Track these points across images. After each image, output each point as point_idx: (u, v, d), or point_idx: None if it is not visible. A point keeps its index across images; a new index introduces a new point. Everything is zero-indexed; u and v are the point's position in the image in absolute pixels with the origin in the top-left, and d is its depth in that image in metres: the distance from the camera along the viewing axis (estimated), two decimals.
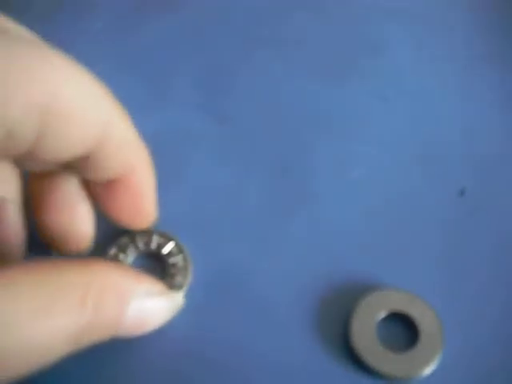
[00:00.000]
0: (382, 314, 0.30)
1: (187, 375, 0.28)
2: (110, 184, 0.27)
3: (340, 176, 0.36)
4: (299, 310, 0.31)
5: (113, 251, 0.29)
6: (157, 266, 0.30)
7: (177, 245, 0.30)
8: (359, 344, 0.29)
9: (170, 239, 0.30)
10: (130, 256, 0.29)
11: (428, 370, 0.29)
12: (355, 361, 0.29)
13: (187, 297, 0.29)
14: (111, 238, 0.30)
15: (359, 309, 0.30)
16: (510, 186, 0.36)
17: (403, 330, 0.30)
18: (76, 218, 0.28)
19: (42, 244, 0.29)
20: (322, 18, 0.43)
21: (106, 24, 0.44)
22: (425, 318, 0.30)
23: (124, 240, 0.30)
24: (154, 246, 0.30)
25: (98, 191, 0.28)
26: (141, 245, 0.30)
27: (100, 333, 0.22)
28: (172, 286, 0.29)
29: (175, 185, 0.35)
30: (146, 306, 0.24)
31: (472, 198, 0.35)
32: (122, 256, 0.29)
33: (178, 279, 0.29)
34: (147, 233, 0.30)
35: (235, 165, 0.37)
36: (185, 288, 0.29)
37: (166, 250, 0.30)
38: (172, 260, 0.29)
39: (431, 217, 0.34)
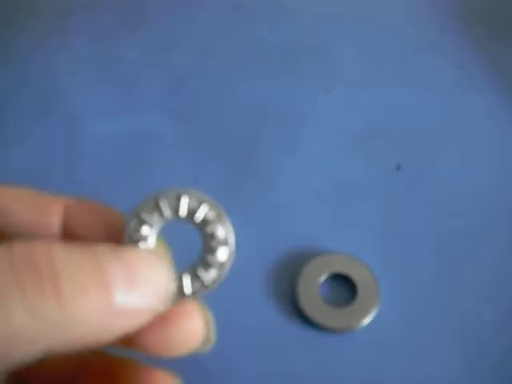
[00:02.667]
0: (325, 276, 0.34)
1: None
2: None
3: (290, 158, 0.40)
4: (253, 275, 0.35)
5: (133, 224, 0.21)
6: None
7: (212, 208, 0.22)
8: (305, 302, 0.33)
9: (202, 201, 0.22)
10: (155, 227, 0.22)
11: (366, 322, 0.33)
12: (302, 317, 0.33)
13: None
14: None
15: (304, 271, 0.34)
16: (440, 160, 0.40)
17: (344, 288, 0.34)
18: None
19: None
20: (267, 25, 0.48)
21: (85, 40, 0.48)
22: (362, 278, 0.34)
23: (144, 207, 0.22)
24: (183, 211, 0.22)
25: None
26: (167, 211, 0.22)
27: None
28: (214, 264, 0.22)
29: (145, 177, 0.39)
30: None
31: (407, 172, 0.39)
32: (144, 229, 0.21)
33: (221, 254, 0.22)
34: (173, 194, 0.22)
35: (197, 157, 0.41)
36: (228, 267, 0.22)
37: (199, 216, 0.22)
38: (209, 229, 0.22)
39: (370, 190, 0.38)
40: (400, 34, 0.47)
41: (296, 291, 0.34)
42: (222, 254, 0.22)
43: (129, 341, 0.21)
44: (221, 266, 0.22)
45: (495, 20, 0.47)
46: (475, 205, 0.38)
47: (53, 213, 0.22)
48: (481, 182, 0.39)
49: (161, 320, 0.20)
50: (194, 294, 0.21)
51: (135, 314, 0.18)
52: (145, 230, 0.21)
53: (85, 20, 0.49)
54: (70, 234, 0.22)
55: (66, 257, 0.17)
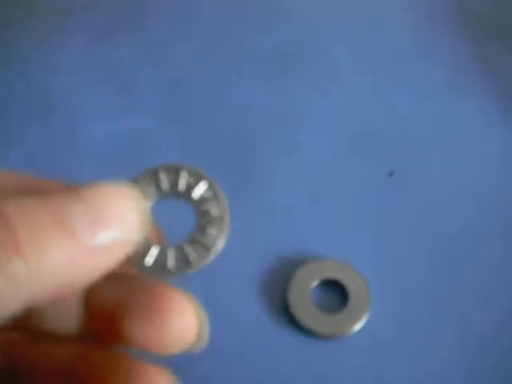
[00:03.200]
0: (316, 281, 0.34)
1: None
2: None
3: (284, 161, 0.40)
4: (244, 279, 0.35)
5: None
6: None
7: (211, 186, 0.22)
8: (296, 308, 0.34)
9: (201, 178, 0.22)
10: (150, 200, 0.21)
11: (357, 328, 0.33)
12: (293, 323, 0.34)
13: None
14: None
15: (296, 277, 0.34)
16: (435, 165, 0.40)
17: (335, 294, 0.34)
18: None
19: None
20: (264, 27, 0.48)
21: (84, 41, 0.48)
22: (354, 283, 0.34)
23: (143, 178, 0.21)
24: (181, 187, 0.22)
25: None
26: (165, 184, 0.22)
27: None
28: (203, 243, 0.21)
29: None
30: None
31: (401, 178, 0.39)
32: None
33: (211, 233, 0.21)
34: (173, 169, 0.22)
35: (193, 158, 0.41)
36: (218, 247, 0.21)
37: (197, 192, 0.22)
38: (204, 207, 0.22)
39: (363, 195, 0.39)
40: (397, 38, 0.47)
41: (287, 297, 0.34)
42: (213, 233, 0.21)
43: (121, 338, 0.21)
44: (209, 244, 0.21)
45: (493, 25, 0.47)
46: (469, 211, 0.38)
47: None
48: (476, 187, 0.39)
49: (153, 316, 0.20)
50: (178, 270, 0.20)
51: (109, 249, 0.18)
52: None
53: (84, 20, 0.49)
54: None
55: (21, 210, 0.17)
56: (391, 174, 0.39)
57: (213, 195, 0.22)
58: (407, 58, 0.45)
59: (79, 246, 0.17)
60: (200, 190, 0.22)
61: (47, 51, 0.47)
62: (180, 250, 0.20)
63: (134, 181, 0.21)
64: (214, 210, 0.22)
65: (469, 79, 0.44)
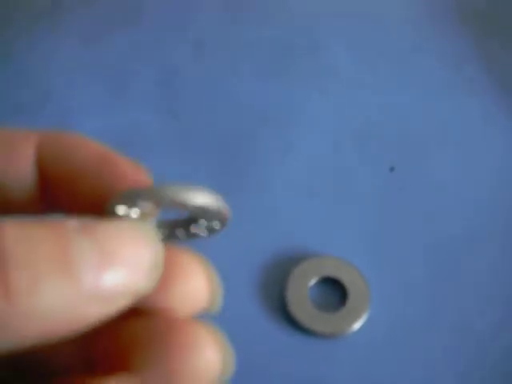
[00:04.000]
0: (315, 279, 0.34)
1: None
2: None
3: (282, 159, 0.39)
4: (241, 278, 0.34)
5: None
6: None
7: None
8: (294, 306, 0.33)
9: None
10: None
11: (356, 326, 0.32)
12: (291, 322, 0.33)
13: None
14: None
15: (294, 275, 0.34)
16: (435, 162, 0.39)
17: (334, 292, 0.34)
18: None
19: None
20: (263, 24, 0.47)
21: (75, 38, 0.47)
22: (353, 281, 0.33)
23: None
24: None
25: None
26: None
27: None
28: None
29: None
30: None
31: (400, 175, 0.39)
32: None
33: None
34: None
35: (187, 156, 0.40)
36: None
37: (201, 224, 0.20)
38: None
39: (363, 192, 0.38)
40: (396, 34, 0.46)
41: (285, 295, 0.33)
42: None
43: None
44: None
45: (494, 23, 0.47)
46: (469, 208, 0.37)
47: (25, 149, 0.20)
48: (476, 185, 0.38)
49: (161, 280, 0.18)
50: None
51: (113, 297, 0.16)
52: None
53: (76, 18, 0.48)
54: (44, 173, 0.19)
55: (21, 237, 0.15)
56: (392, 169, 0.39)
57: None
58: (407, 56, 0.45)
59: (79, 292, 0.15)
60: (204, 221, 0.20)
61: (42, 50, 0.46)
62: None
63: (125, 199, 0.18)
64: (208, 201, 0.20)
65: (469, 77, 0.43)
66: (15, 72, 0.45)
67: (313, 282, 0.34)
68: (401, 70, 0.44)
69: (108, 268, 0.15)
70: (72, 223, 0.16)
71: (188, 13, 0.48)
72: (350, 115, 0.42)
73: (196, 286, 0.19)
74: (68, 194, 0.19)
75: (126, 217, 0.18)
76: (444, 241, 0.36)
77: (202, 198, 0.19)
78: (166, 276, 0.18)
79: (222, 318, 0.33)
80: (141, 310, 0.18)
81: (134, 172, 0.20)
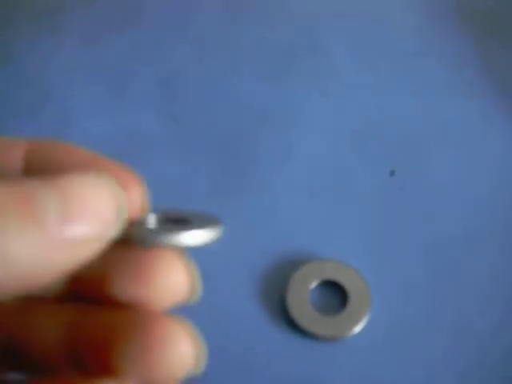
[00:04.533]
0: (315, 282, 0.34)
1: None
2: None
3: (282, 162, 0.39)
4: (242, 281, 0.34)
5: None
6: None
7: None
8: (295, 310, 0.33)
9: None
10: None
11: (357, 330, 0.32)
12: (292, 325, 0.33)
13: None
14: None
15: (294, 278, 0.33)
16: (435, 165, 0.39)
17: (334, 295, 0.34)
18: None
19: None
20: (264, 25, 0.47)
21: (76, 39, 0.47)
22: (353, 284, 0.33)
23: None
24: None
25: None
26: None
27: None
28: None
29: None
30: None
31: (401, 177, 0.39)
32: None
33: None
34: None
35: (187, 158, 0.40)
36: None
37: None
38: None
39: (363, 195, 0.38)
40: (397, 37, 0.46)
41: (286, 298, 0.33)
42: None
43: (109, 298, 0.19)
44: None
45: (494, 24, 0.47)
46: (469, 209, 0.37)
47: (13, 156, 0.20)
48: (475, 185, 0.38)
49: (139, 274, 0.19)
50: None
51: (80, 244, 0.16)
52: None
53: (76, 19, 0.48)
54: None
55: None
56: (392, 173, 0.39)
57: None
58: (407, 58, 0.45)
59: (46, 239, 0.16)
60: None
61: (42, 50, 0.46)
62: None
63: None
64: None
65: (469, 78, 0.43)
66: (15, 72, 0.45)
67: (313, 285, 0.34)
68: (401, 71, 0.44)
69: (74, 218, 0.16)
70: (33, 178, 0.16)
71: (188, 13, 0.48)
72: (350, 116, 0.42)
73: (175, 277, 0.20)
74: None
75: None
76: (444, 241, 0.36)
77: (190, 240, 0.19)
78: (144, 270, 0.19)
79: (223, 321, 0.33)
80: (121, 302, 0.19)
81: (125, 177, 0.21)
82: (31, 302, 0.20)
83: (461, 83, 0.44)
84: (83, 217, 0.16)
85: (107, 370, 0.19)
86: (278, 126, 0.41)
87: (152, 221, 0.20)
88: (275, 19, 0.47)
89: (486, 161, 0.40)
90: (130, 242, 0.18)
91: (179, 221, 0.20)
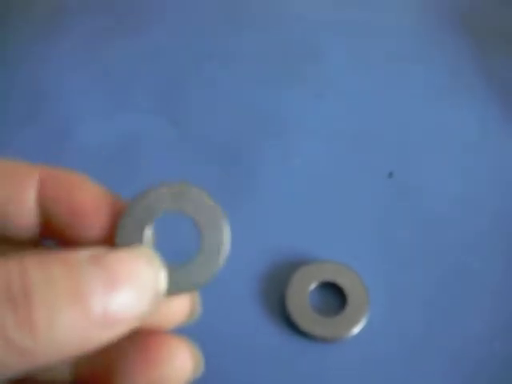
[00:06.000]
0: (315, 284, 0.34)
1: None
2: None
3: (282, 165, 0.40)
4: (241, 283, 0.34)
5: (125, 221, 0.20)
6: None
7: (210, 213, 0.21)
8: (294, 311, 0.33)
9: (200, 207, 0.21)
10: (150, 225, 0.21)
11: (356, 331, 0.33)
12: (291, 326, 0.33)
13: None
14: None
15: (294, 280, 0.34)
16: (432, 168, 0.40)
17: (333, 297, 0.34)
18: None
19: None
20: (264, 32, 0.47)
21: (76, 42, 0.47)
22: (352, 286, 0.34)
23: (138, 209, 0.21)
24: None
25: None
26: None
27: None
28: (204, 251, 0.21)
29: (134, 181, 0.38)
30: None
31: (399, 180, 0.39)
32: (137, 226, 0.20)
33: (210, 241, 0.21)
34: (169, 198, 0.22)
35: (186, 162, 0.40)
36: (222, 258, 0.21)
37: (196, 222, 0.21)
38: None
39: (362, 197, 0.38)
40: (394, 41, 0.46)
41: (285, 300, 0.33)
42: (214, 256, 0.21)
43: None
44: (211, 265, 0.21)
45: (493, 29, 0.47)
46: (469, 215, 0.38)
47: (27, 187, 0.21)
48: (473, 191, 0.39)
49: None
50: (177, 292, 0.20)
51: (119, 322, 0.17)
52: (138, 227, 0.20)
53: (76, 22, 0.49)
54: (45, 210, 0.21)
55: (40, 274, 0.16)
56: (390, 175, 0.39)
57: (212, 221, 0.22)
58: (405, 61, 0.45)
59: (90, 321, 0.17)
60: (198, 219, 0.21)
61: (38, 53, 0.46)
62: (184, 271, 0.20)
63: (129, 212, 0.20)
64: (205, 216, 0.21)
65: (465, 82, 0.44)
66: (14, 75, 0.45)
67: (313, 286, 0.34)
68: (399, 75, 0.45)
69: (113, 290, 0.17)
70: (84, 254, 0.17)
71: (189, 19, 0.49)
72: (349, 119, 0.42)
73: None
74: (66, 233, 0.21)
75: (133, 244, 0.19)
76: (443, 245, 0.36)
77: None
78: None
79: (222, 323, 0.33)
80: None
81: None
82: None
83: (460, 88, 0.44)
84: (123, 292, 0.17)
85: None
86: (278, 129, 0.41)
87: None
88: (275, 25, 0.48)
89: (484, 163, 0.40)
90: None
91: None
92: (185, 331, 0.32)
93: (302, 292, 0.34)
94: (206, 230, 0.21)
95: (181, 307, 0.22)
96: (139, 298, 0.18)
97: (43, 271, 0.16)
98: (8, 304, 0.16)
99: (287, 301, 0.33)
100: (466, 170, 0.40)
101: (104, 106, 0.43)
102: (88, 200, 0.21)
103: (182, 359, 0.21)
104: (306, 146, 0.41)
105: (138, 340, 0.21)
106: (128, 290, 0.17)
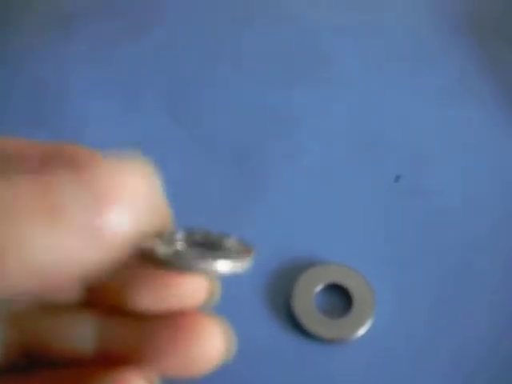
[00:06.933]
0: (321, 286, 0.34)
1: None
2: None
3: (290, 166, 0.40)
4: (248, 284, 0.35)
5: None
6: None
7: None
8: (301, 312, 0.33)
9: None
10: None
11: (361, 332, 0.33)
12: (298, 327, 0.33)
13: None
14: None
15: (300, 281, 0.34)
16: (440, 171, 0.40)
17: (339, 298, 0.34)
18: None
19: None
20: (276, 34, 0.48)
21: (90, 46, 0.48)
22: (358, 288, 0.34)
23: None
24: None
25: None
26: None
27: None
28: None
29: None
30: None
31: (406, 183, 0.39)
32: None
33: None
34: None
35: (198, 162, 0.41)
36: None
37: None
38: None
39: (368, 200, 0.38)
40: (402, 43, 0.47)
41: (291, 301, 0.34)
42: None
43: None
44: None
45: (500, 30, 0.47)
46: (475, 217, 0.38)
47: (29, 156, 0.19)
48: (481, 194, 0.39)
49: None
50: (201, 262, 0.17)
51: (115, 239, 0.15)
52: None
53: (85, 25, 0.49)
54: None
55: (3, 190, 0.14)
56: (397, 178, 0.39)
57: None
58: (412, 64, 0.45)
59: (71, 232, 0.14)
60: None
61: (48, 56, 0.47)
62: (203, 235, 0.18)
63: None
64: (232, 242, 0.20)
65: (473, 85, 0.44)
66: (28, 82, 0.45)
67: (319, 288, 0.34)
68: (407, 79, 0.45)
69: (103, 202, 0.15)
70: (62, 171, 0.15)
71: (197, 21, 0.49)
72: (357, 121, 0.42)
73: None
74: None
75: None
76: (451, 248, 0.36)
77: (223, 267, 0.17)
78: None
79: (229, 324, 0.33)
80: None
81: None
82: (52, 309, 0.20)
83: (466, 89, 0.44)
84: (114, 202, 0.15)
85: (133, 361, 0.19)
86: (285, 130, 0.42)
87: (180, 239, 0.18)
88: (284, 27, 0.48)
89: (491, 167, 0.40)
90: (156, 262, 0.16)
91: (209, 244, 0.19)
92: None
93: (308, 294, 0.34)
94: None
95: (200, 286, 0.20)
96: (136, 211, 0.15)
97: (7, 184, 0.14)
98: None
99: (293, 302, 0.34)
100: (475, 174, 0.40)
101: (112, 107, 0.43)
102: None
103: (215, 339, 0.20)
104: (313, 147, 0.41)
105: (169, 318, 0.19)
106: (122, 205, 0.15)
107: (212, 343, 0.20)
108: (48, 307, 0.20)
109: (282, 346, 0.33)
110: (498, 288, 0.35)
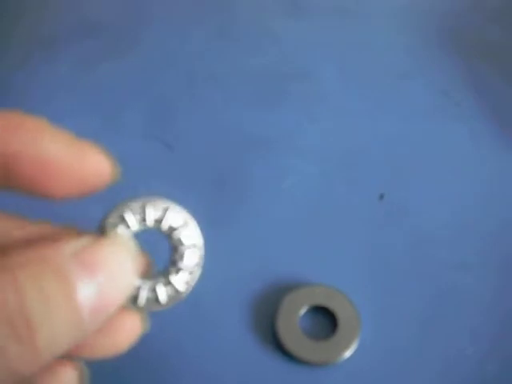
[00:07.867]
0: (305, 308, 0.34)
1: (122, 372, 0.32)
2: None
3: (272, 187, 0.40)
4: (231, 307, 0.34)
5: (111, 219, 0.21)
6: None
7: (178, 214, 0.22)
8: (285, 335, 0.33)
9: (167, 208, 0.22)
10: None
11: (347, 355, 0.33)
12: (282, 351, 0.33)
13: None
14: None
15: (284, 304, 0.34)
16: (423, 189, 0.40)
17: (324, 321, 0.34)
18: None
19: None
20: (253, 52, 0.48)
21: (69, 68, 0.47)
22: (343, 310, 0.34)
23: (110, 222, 0.21)
24: (149, 221, 0.21)
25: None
26: (133, 224, 0.21)
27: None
28: (185, 268, 0.21)
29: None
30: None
31: (390, 202, 0.39)
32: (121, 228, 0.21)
33: (190, 257, 0.21)
34: (138, 205, 0.22)
35: (179, 184, 0.40)
36: (199, 270, 0.22)
37: (165, 223, 0.21)
38: (175, 234, 0.21)
39: (353, 219, 0.38)
40: (385, 60, 0.47)
41: (276, 324, 0.33)
42: (191, 258, 0.21)
43: None
44: (191, 269, 0.21)
45: (482, 47, 0.47)
46: (459, 235, 0.38)
47: None
48: (465, 211, 0.39)
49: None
50: (169, 301, 0.21)
51: (106, 308, 0.18)
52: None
53: (68, 47, 0.49)
54: (7, 161, 0.20)
55: (36, 292, 0.16)
56: (381, 197, 0.39)
57: (182, 222, 0.22)
58: (395, 81, 0.45)
59: (83, 317, 0.17)
60: (168, 220, 0.22)
61: (28, 77, 0.47)
62: (167, 282, 0.21)
63: (102, 226, 0.21)
64: (186, 236, 0.21)
65: (456, 100, 0.44)
66: (8, 99, 0.45)
67: (303, 310, 0.34)
68: (389, 95, 0.45)
69: (95, 280, 0.18)
70: (67, 251, 0.18)
71: (180, 43, 0.49)
72: (340, 140, 0.42)
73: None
74: (32, 179, 0.21)
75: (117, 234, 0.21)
76: (435, 267, 0.36)
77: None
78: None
79: (213, 348, 0.33)
80: None
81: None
82: None
83: (449, 107, 0.44)
84: (107, 277, 0.18)
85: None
86: (268, 152, 0.42)
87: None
88: (264, 47, 0.48)
89: (475, 184, 0.40)
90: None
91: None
92: (173, 356, 0.32)
93: (293, 316, 0.33)
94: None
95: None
96: (119, 284, 0.18)
97: (38, 288, 0.16)
98: (8, 329, 0.16)
99: (278, 325, 0.33)
100: (458, 190, 0.40)
101: (91, 127, 0.43)
102: (53, 149, 0.21)
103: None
104: (297, 168, 0.41)
105: None
106: (109, 280, 0.18)
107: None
108: None
109: (267, 370, 0.33)
110: (482, 309, 0.35)
